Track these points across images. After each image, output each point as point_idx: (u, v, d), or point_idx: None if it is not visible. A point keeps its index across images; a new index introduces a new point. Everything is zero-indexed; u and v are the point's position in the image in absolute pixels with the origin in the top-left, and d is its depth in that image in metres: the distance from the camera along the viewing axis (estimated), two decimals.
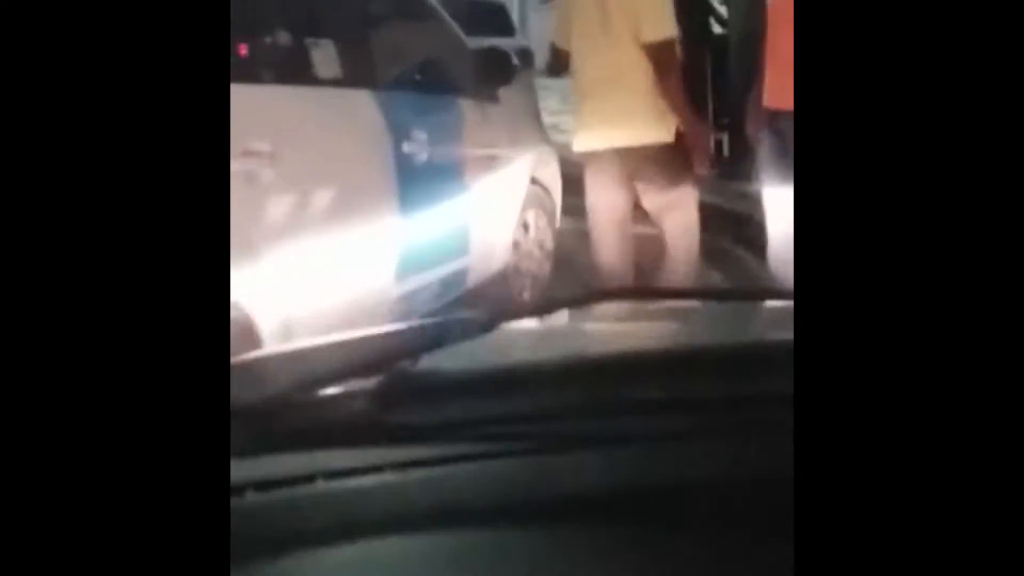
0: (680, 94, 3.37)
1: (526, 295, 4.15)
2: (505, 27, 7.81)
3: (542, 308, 1.22)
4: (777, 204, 3.35)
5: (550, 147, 4.59)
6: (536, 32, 11.23)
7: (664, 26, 3.33)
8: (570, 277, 4.34)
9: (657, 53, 3.31)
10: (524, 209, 4.13)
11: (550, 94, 9.24)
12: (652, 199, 3.54)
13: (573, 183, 3.79)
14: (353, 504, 0.71)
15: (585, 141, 3.48)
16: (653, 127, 3.34)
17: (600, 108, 3.41)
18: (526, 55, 7.81)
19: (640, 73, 3.34)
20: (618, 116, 3.38)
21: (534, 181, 4.23)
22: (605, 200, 3.52)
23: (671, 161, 3.42)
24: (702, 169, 3.53)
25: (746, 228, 4.49)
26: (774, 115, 3.25)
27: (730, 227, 5.00)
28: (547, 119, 8.45)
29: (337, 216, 2.82)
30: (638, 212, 3.65)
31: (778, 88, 3.20)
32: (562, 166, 4.48)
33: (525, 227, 4.16)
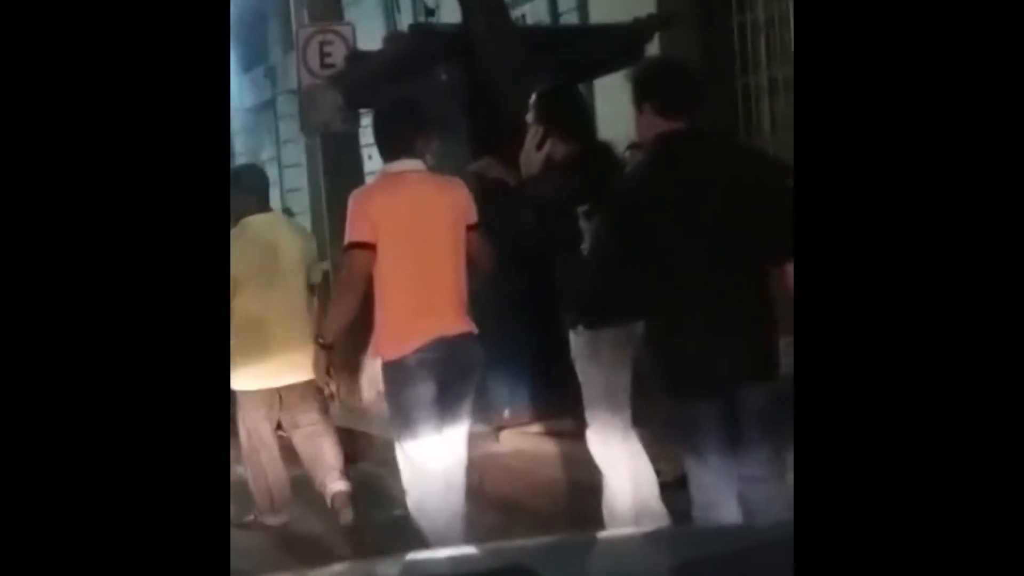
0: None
1: None
2: None
3: None
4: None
5: None
6: None
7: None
8: None
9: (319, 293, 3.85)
10: None
11: None
12: (291, 422, 3.92)
13: None
14: None
15: (237, 380, 3.65)
16: (302, 365, 3.53)
17: (255, 346, 3.67)
18: None
19: (297, 314, 3.79)
20: (272, 355, 3.66)
21: None
22: (254, 432, 3.86)
23: (316, 393, 3.78)
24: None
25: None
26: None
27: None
28: None
29: None
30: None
31: (385, 340, 3.19)
32: None
33: None
